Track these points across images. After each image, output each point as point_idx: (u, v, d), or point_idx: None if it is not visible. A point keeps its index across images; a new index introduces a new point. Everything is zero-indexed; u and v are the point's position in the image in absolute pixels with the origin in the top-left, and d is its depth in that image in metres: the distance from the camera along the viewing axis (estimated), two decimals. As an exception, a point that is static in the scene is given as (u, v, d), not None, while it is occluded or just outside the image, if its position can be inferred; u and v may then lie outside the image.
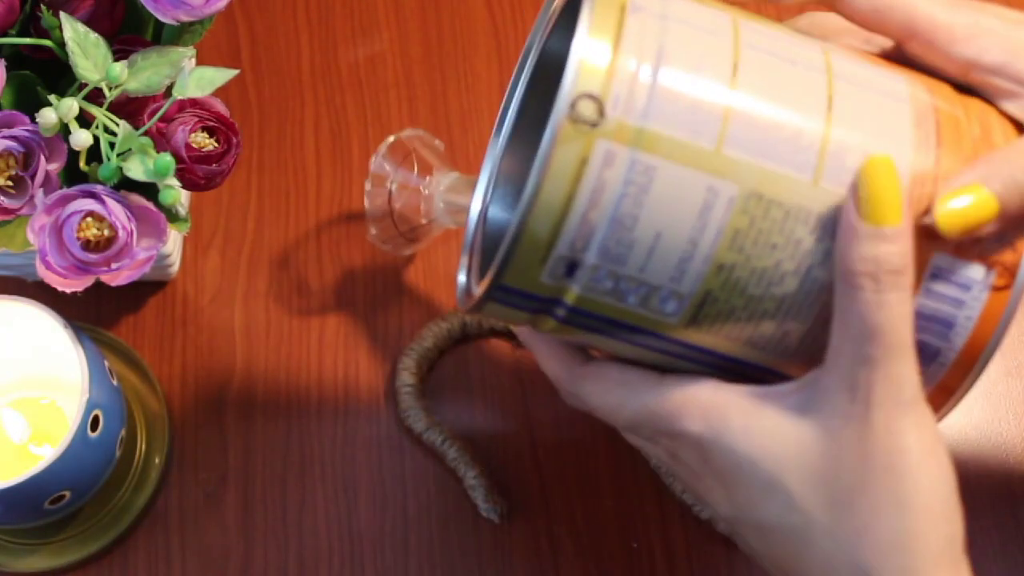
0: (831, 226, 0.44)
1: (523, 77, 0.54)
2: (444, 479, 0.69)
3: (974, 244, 0.46)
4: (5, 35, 0.58)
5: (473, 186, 0.68)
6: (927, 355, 0.47)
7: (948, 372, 0.47)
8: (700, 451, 0.48)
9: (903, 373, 0.44)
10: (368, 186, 0.69)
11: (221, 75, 0.57)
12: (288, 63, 0.79)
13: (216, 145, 0.59)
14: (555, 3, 0.52)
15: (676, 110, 0.43)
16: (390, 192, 0.69)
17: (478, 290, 0.47)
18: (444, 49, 0.79)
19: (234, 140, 0.59)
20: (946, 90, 0.49)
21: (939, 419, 0.48)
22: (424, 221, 0.69)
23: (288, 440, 0.70)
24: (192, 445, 0.70)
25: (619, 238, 0.44)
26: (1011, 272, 0.46)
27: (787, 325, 0.46)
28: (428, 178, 0.69)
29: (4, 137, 0.56)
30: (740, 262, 0.45)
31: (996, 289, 0.46)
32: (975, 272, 0.46)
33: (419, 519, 0.69)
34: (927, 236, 0.45)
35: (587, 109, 0.43)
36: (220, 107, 0.60)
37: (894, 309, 0.44)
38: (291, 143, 0.77)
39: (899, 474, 0.44)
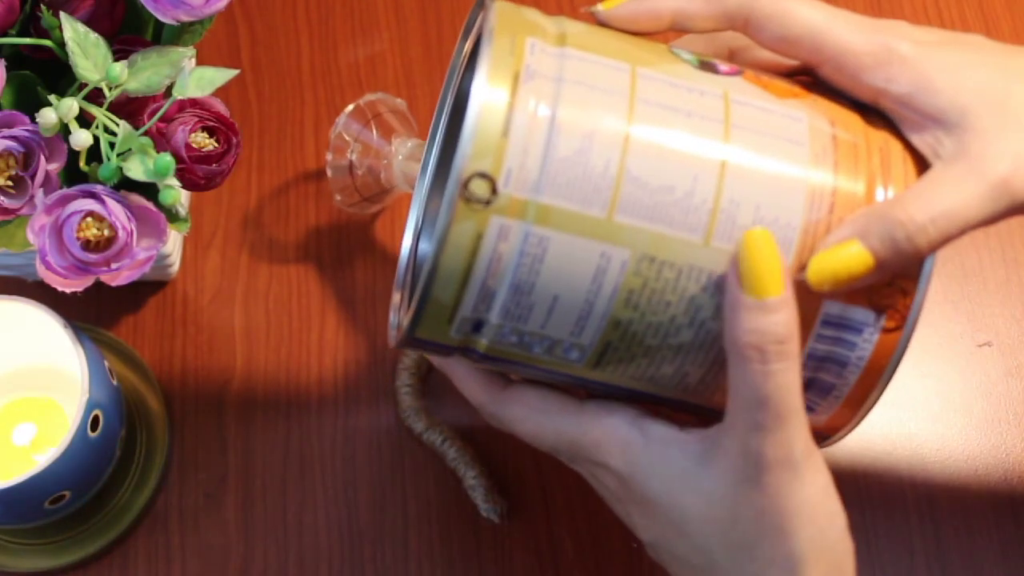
0: (722, 282, 0.46)
1: (442, 119, 0.56)
2: (444, 479, 0.69)
3: (864, 290, 0.46)
4: (5, 35, 0.58)
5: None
6: (823, 389, 0.49)
7: (842, 404, 0.49)
8: (620, 481, 0.50)
9: (792, 436, 0.47)
10: (329, 156, 0.70)
11: (221, 75, 0.57)
12: (288, 63, 0.79)
13: (216, 145, 0.59)
14: (466, 46, 0.52)
15: (566, 182, 0.44)
16: (351, 161, 0.70)
17: (397, 335, 0.49)
18: (444, 49, 0.79)
19: (234, 140, 0.59)
20: (849, 119, 0.48)
21: (834, 442, 0.51)
22: (387, 186, 0.70)
23: (288, 440, 0.70)
24: (192, 445, 0.70)
25: (518, 301, 0.45)
26: (902, 315, 0.47)
27: (685, 368, 0.48)
28: (388, 144, 0.70)
29: (4, 137, 0.56)
30: (636, 318, 0.46)
31: (887, 331, 0.47)
32: (866, 316, 0.47)
33: (419, 519, 0.69)
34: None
35: (479, 188, 0.44)
36: (220, 107, 0.60)
37: (779, 378, 0.45)
38: (291, 143, 0.77)
39: (789, 533, 0.47)
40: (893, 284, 0.47)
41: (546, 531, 0.68)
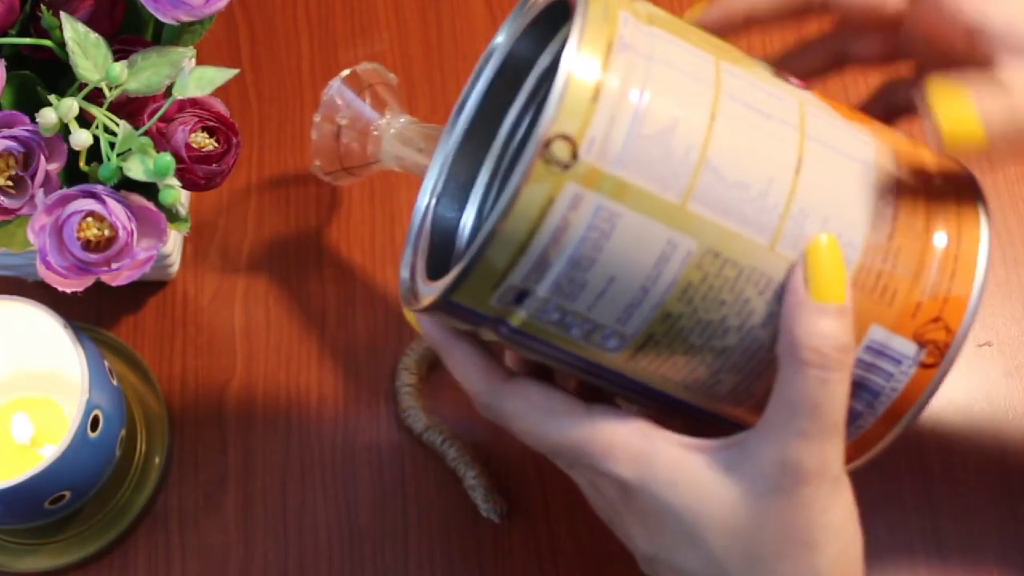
0: (780, 291, 0.45)
1: (483, 76, 0.54)
2: (444, 479, 0.69)
3: (910, 319, 0.46)
4: (5, 35, 0.58)
5: (424, 135, 0.67)
6: (849, 417, 0.48)
7: (864, 435, 0.48)
8: (624, 492, 0.48)
9: (833, 452, 0.46)
10: (317, 117, 0.68)
11: (221, 75, 0.57)
12: (288, 63, 0.79)
13: (216, 145, 0.59)
14: (532, 2, 0.51)
15: (648, 160, 0.43)
16: (339, 127, 0.68)
17: (425, 298, 0.47)
18: (444, 49, 0.79)
19: (234, 140, 0.59)
20: (910, 149, 0.49)
21: (848, 472, 0.49)
22: (371, 160, 0.69)
23: (288, 440, 0.70)
24: (192, 445, 0.70)
25: (573, 277, 0.44)
26: (941, 352, 0.47)
27: (721, 375, 0.47)
28: (380, 117, 0.69)
29: (4, 137, 0.56)
30: (687, 313, 0.45)
31: (924, 366, 0.47)
32: (908, 348, 0.47)
33: (419, 519, 0.69)
34: (866, 309, 0.46)
35: (561, 151, 0.42)
36: (220, 107, 0.60)
37: (834, 387, 0.45)
38: (291, 143, 0.77)
39: (816, 548, 0.46)
40: (939, 320, 0.47)
41: (546, 531, 0.68)
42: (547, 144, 0.42)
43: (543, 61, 0.53)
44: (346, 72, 0.69)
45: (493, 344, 0.50)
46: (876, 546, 0.68)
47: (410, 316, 0.51)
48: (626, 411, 0.49)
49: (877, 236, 0.46)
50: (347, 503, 0.69)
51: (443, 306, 0.46)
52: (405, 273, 0.51)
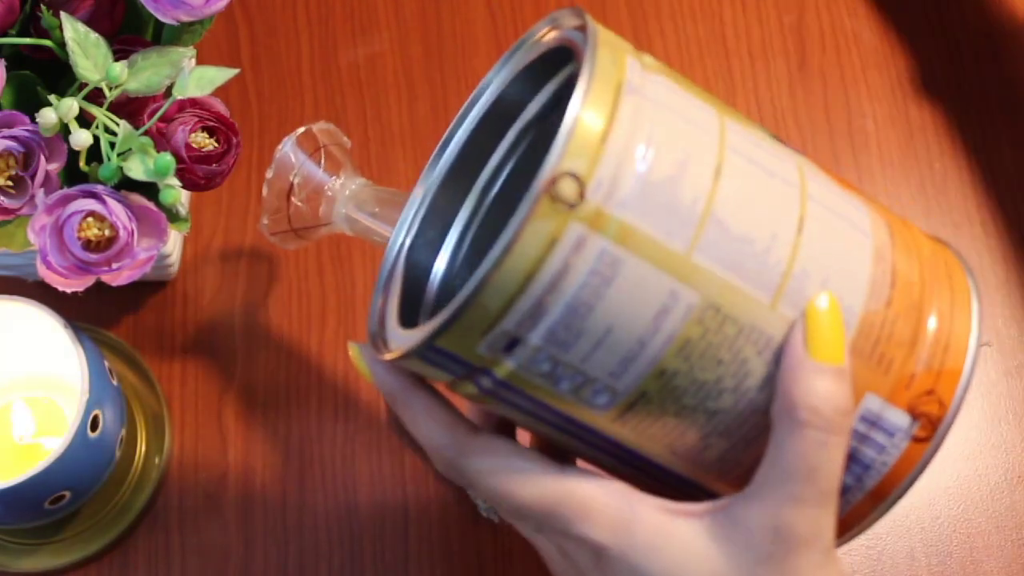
0: (778, 352, 0.44)
1: (471, 115, 0.52)
2: (444, 479, 0.69)
3: (905, 390, 0.45)
4: (5, 35, 0.58)
5: (378, 199, 0.65)
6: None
7: (850, 511, 0.47)
8: (598, 559, 0.45)
9: (826, 521, 0.44)
10: (270, 174, 0.66)
11: (221, 75, 0.57)
12: (288, 63, 0.79)
13: (216, 145, 0.59)
14: (536, 38, 0.49)
15: (655, 206, 0.42)
16: (292, 184, 0.66)
17: (399, 344, 0.45)
18: (444, 49, 0.79)
19: (234, 140, 0.59)
20: (900, 222, 0.48)
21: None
22: (323, 222, 0.67)
23: (288, 440, 0.70)
24: (192, 445, 0.70)
25: (569, 325, 0.42)
26: (934, 425, 0.46)
27: (711, 439, 0.45)
28: (335, 178, 0.66)
29: (4, 137, 0.56)
30: (683, 371, 0.43)
31: (916, 440, 0.46)
32: (902, 420, 0.45)
33: (419, 519, 0.69)
34: (862, 377, 0.45)
35: (568, 188, 0.41)
36: (220, 107, 0.60)
37: (833, 452, 0.43)
38: (291, 143, 0.77)
39: None
40: (933, 392, 0.46)
41: (546, 531, 0.68)
42: (554, 181, 0.40)
43: (532, 107, 0.52)
44: (301, 130, 0.66)
45: (466, 398, 0.47)
46: (876, 546, 0.68)
47: (358, 361, 0.48)
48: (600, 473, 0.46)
49: (875, 302, 0.45)
50: (347, 503, 0.69)
51: (424, 352, 0.43)
52: (374, 319, 0.49)
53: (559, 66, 0.50)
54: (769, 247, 0.43)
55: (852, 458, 0.45)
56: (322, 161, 0.66)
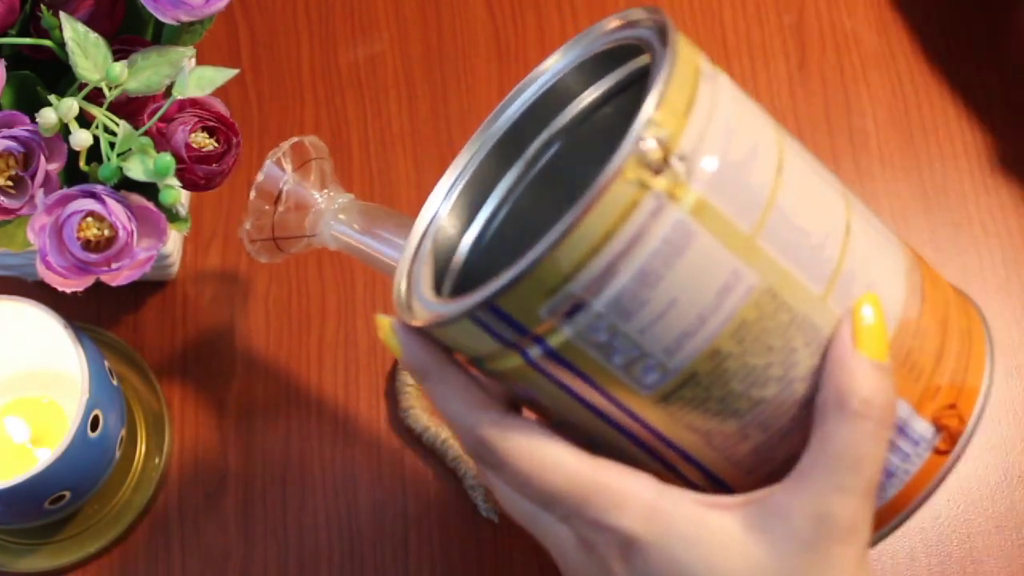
0: (824, 346, 0.44)
1: (524, 96, 0.52)
2: (444, 479, 0.69)
3: (931, 401, 0.46)
4: (5, 35, 0.58)
5: (368, 214, 0.64)
6: None
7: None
8: (626, 550, 0.44)
9: (866, 514, 0.44)
10: (260, 178, 0.65)
11: (221, 75, 0.57)
12: (288, 63, 0.79)
13: (216, 145, 0.59)
14: (603, 30, 0.50)
15: (729, 185, 0.42)
16: (280, 192, 0.65)
17: (447, 308, 0.44)
18: (444, 49, 0.79)
19: (234, 140, 0.59)
20: (921, 259, 0.50)
21: None
22: (307, 234, 0.66)
23: (288, 440, 0.70)
24: (192, 445, 0.70)
25: (635, 293, 0.42)
26: (954, 439, 0.46)
27: (749, 430, 0.45)
28: (322, 191, 0.66)
29: (4, 137, 0.56)
30: (735, 353, 0.43)
31: (938, 452, 0.46)
32: (926, 430, 0.46)
33: (419, 519, 0.69)
34: (896, 382, 0.45)
35: (654, 153, 0.41)
36: (220, 107, 0.60)
37: (880, 445, 0.43)
38: (291, 143, 0.77)
39: None
40: (955, 407, 0.46)
41: (546, 531, 0.68)
42: (644, 145, 0.41)
43: (586, 96, 0.52)
44: (294, 139, 0.66)
45: (496, 375, 0.46)
46: (877, 546, 0.68)
47: (388, 336, 0.47)
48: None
49: (909, 312, 0.46)
50: (347, 503, 0.69)
51: (481, 313, 0.43)
52: (404, 287, 0.49)
53: (619, 62, 0.50)
54: (823, 243, 0.44)
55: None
56: (312, 174, 0.66)
